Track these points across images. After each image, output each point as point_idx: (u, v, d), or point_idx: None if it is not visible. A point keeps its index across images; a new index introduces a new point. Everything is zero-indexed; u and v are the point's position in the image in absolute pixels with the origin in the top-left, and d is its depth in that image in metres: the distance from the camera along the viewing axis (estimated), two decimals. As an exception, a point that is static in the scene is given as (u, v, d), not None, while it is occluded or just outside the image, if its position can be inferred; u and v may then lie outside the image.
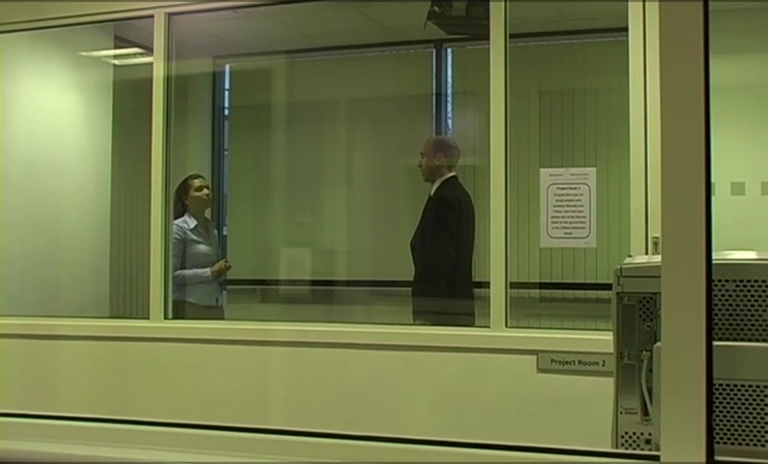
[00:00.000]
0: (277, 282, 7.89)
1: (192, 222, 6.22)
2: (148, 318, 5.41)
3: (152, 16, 5.51)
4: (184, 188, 6.31)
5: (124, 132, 6.83)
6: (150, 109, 5.46)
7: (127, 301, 7.34)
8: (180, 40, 5.64)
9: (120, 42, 6.81)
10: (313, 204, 8.07)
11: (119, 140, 6.78)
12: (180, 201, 6.24)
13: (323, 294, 7.80)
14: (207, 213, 6.51)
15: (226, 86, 8.47)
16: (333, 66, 8.07)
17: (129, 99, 6.83)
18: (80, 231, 6.62)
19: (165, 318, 5.41)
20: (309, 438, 1.83)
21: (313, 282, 7.81)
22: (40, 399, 5.20)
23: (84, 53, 6.77)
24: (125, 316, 7.46)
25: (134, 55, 6.87)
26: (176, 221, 6.12)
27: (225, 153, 8.40)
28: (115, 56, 6.93)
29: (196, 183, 6.37)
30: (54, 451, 1.87)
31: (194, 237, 6.20)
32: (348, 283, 7.77)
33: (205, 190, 6.38)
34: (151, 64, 5.53)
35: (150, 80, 5.49)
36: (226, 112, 8.48)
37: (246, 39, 7.81)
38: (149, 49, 5.68)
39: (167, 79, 5.48)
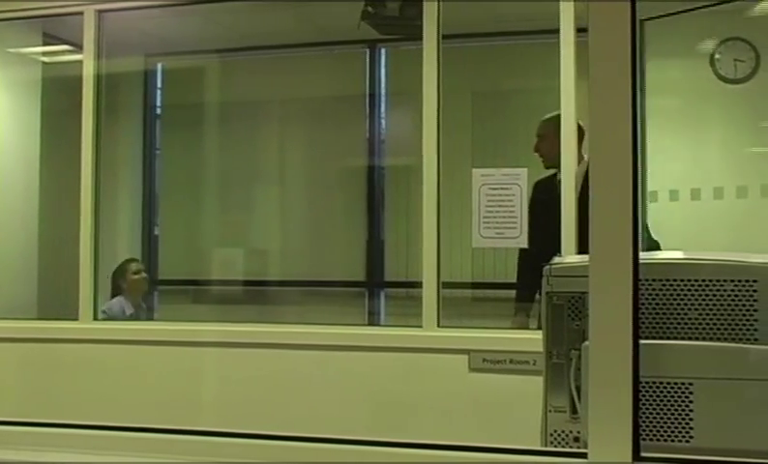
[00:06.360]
0: (208, 283, 7.83)
1: (129, 309, 6.27)
2: (77, 319, 5.34)
3: (81, 13, 5.43)
4: (121, 271, 6.44)
5: (53, 131, 6.72)
6: (80, 107, 5.39)
7: (56, 301, 7.22)
8: (111, 37, 5.57)
9: (49, 38, 6.70)
10: (246, 204, 8.01)
11: (48, 139, 6.66)
12: (117, 284, 6.38)
13: (255, 294, 7.76)
14: (141, 298, 6.58)
15: (158, 85, 8.38)
16: (266, 65, 8.02)
17: (58, 97, 6.71)
18: (7, 231, 6.50)
19: (95, 319, 5.34)
20: (235, 439, 1.82)
21: (246, 282, 7.77)
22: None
23: (12, 50, 6.65)
24: (54, 317, 7.34)
25: (64, 53, 6.76)
26: (116, 299, 6.27)
27: (157, 152, 8.31)
28: (44, 53, 6.81)
29: (133, 266, 6.49)
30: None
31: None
32: (281, 283, 7.73)
33: (143, 274, 6.51)
34: (81, 61, 5.46)
35: (80, 78, 5.41)
36: (158, 111, 8.39)
37: (178, 37, 7.73)
38: (79, 47, 5.60)
39: (98, 77, 5.42)
